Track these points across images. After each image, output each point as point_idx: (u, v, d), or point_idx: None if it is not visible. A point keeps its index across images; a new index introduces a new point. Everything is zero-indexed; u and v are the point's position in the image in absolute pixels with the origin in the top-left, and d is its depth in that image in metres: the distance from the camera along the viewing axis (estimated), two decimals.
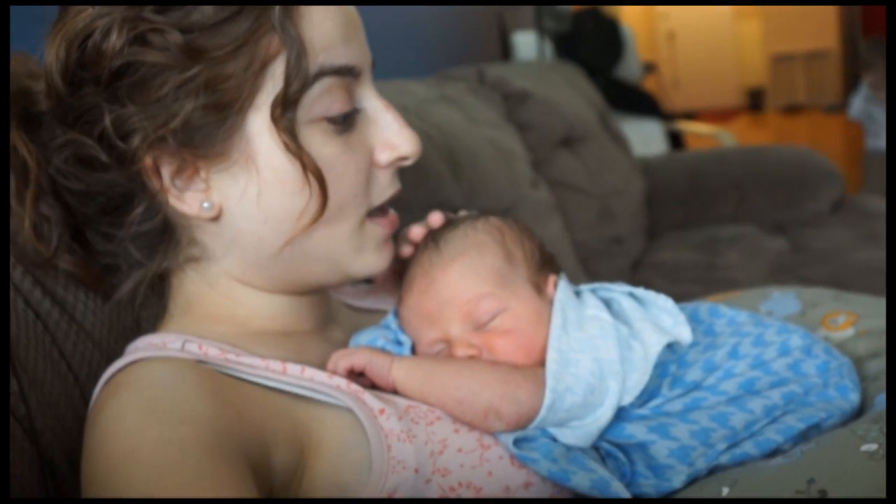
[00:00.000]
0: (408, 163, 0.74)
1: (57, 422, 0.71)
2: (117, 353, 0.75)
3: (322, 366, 0.72)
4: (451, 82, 2.16)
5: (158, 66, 0.63)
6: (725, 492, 0.63)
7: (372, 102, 0.73)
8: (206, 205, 0.69)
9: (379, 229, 0.75)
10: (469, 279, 0.75)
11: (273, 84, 0.65)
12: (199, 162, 0.67)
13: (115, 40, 0.63)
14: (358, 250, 0.74)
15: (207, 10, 0.63)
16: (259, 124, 0.66)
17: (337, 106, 0.68)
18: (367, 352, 0.72)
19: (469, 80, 2.24)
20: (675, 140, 4.00)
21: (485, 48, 3.30)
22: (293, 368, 0.69)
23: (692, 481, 0.68)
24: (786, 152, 2.68)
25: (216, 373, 0.67)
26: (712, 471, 0.69)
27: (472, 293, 0.75)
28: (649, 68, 5.50)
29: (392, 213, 0.77)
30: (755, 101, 9.62)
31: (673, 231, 2.49)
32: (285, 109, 0.65)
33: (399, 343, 0.77)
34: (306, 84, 0.66)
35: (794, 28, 9.02)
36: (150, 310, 0.85)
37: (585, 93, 2.69)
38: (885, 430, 0.62)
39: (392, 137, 0.73)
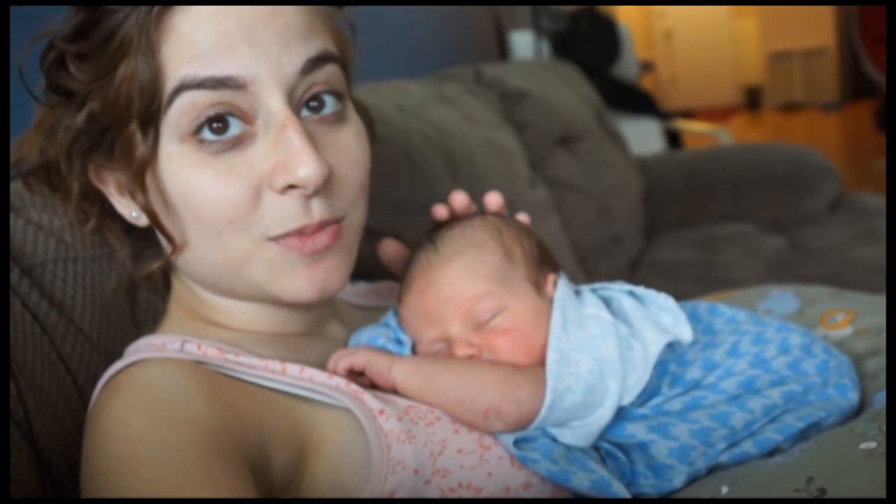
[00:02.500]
0: (306, 192, 0.64)
1: (55, 424, 0.71)
2: (116, 354, 0.75)
3: (321, 365, 0.72)
4: (448, 82, 2.15)
5: (65, 90, 0.66)
6: (725, 491, 0.62)
7: (275, 117, 0.64)
8: (133, 214, 0.71)
9: (283, 251, 0.67)
10: (468, 278, 0.75)
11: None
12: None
13: (47, 61, 0.67)
14: (269, 275, 0.68)
15: (96, 36, 0.64)
16: None
17: (203, 123, 0.63)
18: (366, 351, 0.72)
19: (466, 79, 2.24)
20: (673, 139, 4.00)
21: (482, 48, 3.30)
22: (292, 368, 0.69)
23: (692, 480, 0.68)
24: (783, 150, 2.68)
25: (215, 373, 0.67)
26: (712, 470, 0.69)
27: (471, 292, 0.74)
28: (646, 67, 5.50)
29: (318, 234, 0.67)
30: (753, 100, 9.62)
31: (671, 230, 2.49)
32: (145, 135, 0.63)
33: (399, 342, 0.77)
34: (161, 102, 0.62)
35: (791, 26, 9.02)
36: (150, 314, 0.85)
37: (583, 92, 2.69)
38: (884, 428, 0.62)
39: (289, 159, 0.63)
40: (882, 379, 0.77)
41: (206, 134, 0.63)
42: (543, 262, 0.80)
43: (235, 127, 0.64)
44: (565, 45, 3.58)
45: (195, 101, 0.62)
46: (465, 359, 0.73)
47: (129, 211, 0.71)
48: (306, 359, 0.73)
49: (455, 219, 0.82)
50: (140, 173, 0.64)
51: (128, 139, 0.64)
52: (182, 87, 0.62)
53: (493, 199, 0.85)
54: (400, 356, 0.73)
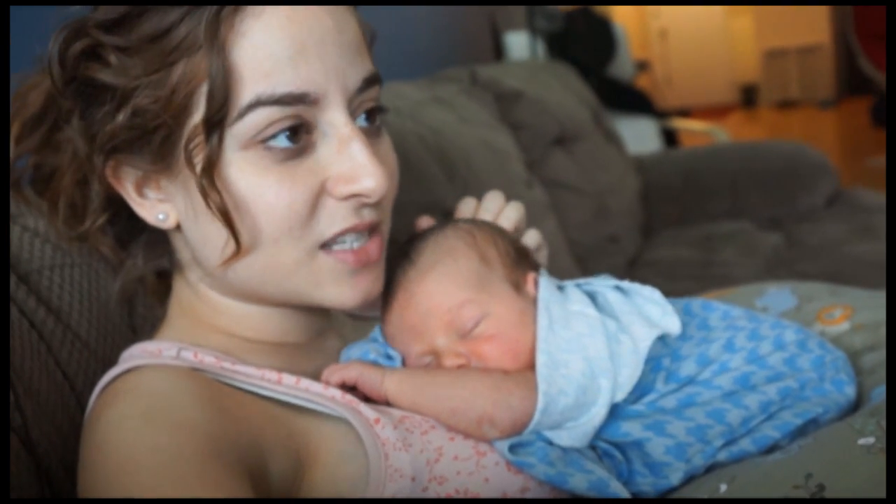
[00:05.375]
0: (369, 201, 0.67)
1: (53, 430, 0.71)
2: (113, 360, 0.75)
3: (316, 376, 0.72)
4: (444, 83, 2.15)
5: (99, 83, 0.64)
6: (724, 489, 0.62)
7: (338, 129, 0.66)
8: (160, 216, 0.70)
9: (334, 263, 0.69)
10: (447, 288, 0.75)
11: (201, 110, 0.62)
12: (155, 173, 0.67)
13: (73, 51, 0.64)
14: (314, 283, 0.69)
15: (144, 30, 0.62)
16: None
17: (276, 133, 0.63)
18: (358, 365, 0.72)
19: (461, 80, 2.24)
20: (669, 137, 4.00)
21: (477, 49, 3.30)
22: (288, 378, 0.69)
23: (690, 479, 0.68)
24: (780, 148, 2.69)
25: (212, 380, 0.67)
26: (711, 468, 0.69)
27: (452, 302, 0.74)
28: (642, 66, 5.51)
29: (367, 244, 0.70)
30: (748, 97, 9.63)
31: (668, 228, 2.50)
32: (208, 137, 0.62)
33: (389, 357, 0.77)
34: (232, 115, 0.62)
35: (786, 23, 9.03)
36: (149, 320, 0.85)
37: (578, 92, 2.69)
38: (882, 423, 0.62)
39: (355, 170, 0.66)
40: (879, 374, 0.77)
41: (274, 143, 0.64)
42: (521, 261, 0.80)
43: (301, 137, 0.65)
44: (560, 46, 3.58)
45: (269, 116, 0.63)
46: (455, 369, 0.72)
47: (154, 213, 0.69)
48: (302, 370, 0.73)
49: (427, 230, 0.81)
50: (209, 174, 0.63)
51: (188, 141, 0.63)
52: (258, 103, 0.62)
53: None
54: (391, 368, 0.73)
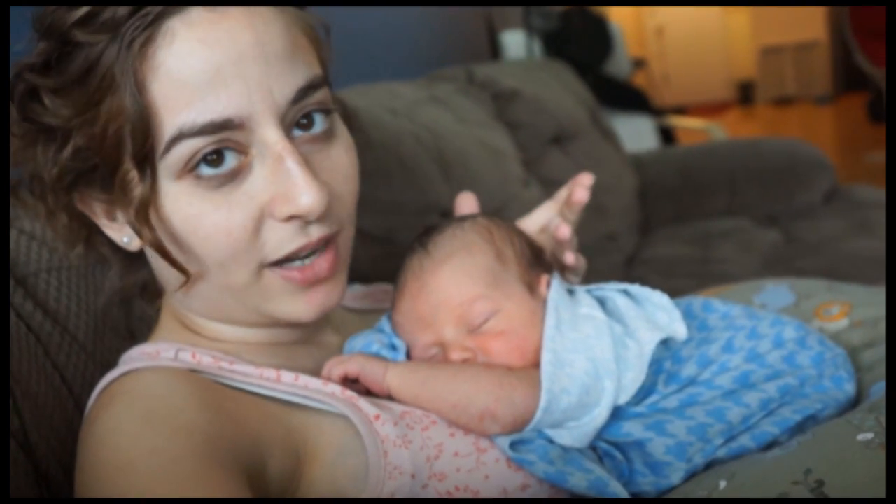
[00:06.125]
0: (310, 219, 0.65)
1: (52, 434, 0.71)
2: (111, 363, 0.74)
3: (316, 372, 0.72)
4: (440, 83, 2.15)
5: (44, 124, 0.64)
6: (723, 485, 0.62)
7: (271, 147, 0.63)
8: (125, 239, 0.70)
9: (282, 282, 0.67)
10: (461, 281, 0.75)
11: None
12: (111, 203, 0.67)
13: (18, 93, 0.64)
14: (266, 300, 0.69)
15: (71, 70, 0.61)
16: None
17: (202, 161, 0.62)
18: (360, 358, 0.72)
19: (458, 80, 2.24)
20: (666, 135, 4.01)
21: (473, 48, 3.30)
22: (287, 376, 0.69)
23: (690, 476, 0.68)
24: (777, 144, 2.69)
25: (210, 381, 0.67)
26: (710, 464, 0.69)
27: (464, 295, 0.74)
28: (639, 64, 5.50)
29: (317, 260, 0.68)
30: (745, 94, 9.63)
31: (666, 226, 2.50)
32: (140, 173, 0.61)
33: (394, 347, 0.77)
34: (160, 149, 0.61)
35: (782, 20, 9.03)
36: (145, 321, 0.85)
37: (575, 90, 2.69)
38: (881, 419, 0.62)
39: (290, 189, 0.63)
40: (878, 370, 0.77)
41: (203, 170, 0.62)
42: (536, 263, 0.80)
43: (231, 159, 0.63)
44: (557, 44, 3.58)
45: (194, 147, 0.61)
46: (459, 363, 0.72)
47: (120, 236, 0.69)
48: (301, 366, 0.73)
49: (445, 222, 0.82)
50: (143, 211, 0.62)
51: (123, 177, 0.62)
52: (181, 136, 0.60)
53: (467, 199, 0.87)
54: (394, 362, 0.73)
